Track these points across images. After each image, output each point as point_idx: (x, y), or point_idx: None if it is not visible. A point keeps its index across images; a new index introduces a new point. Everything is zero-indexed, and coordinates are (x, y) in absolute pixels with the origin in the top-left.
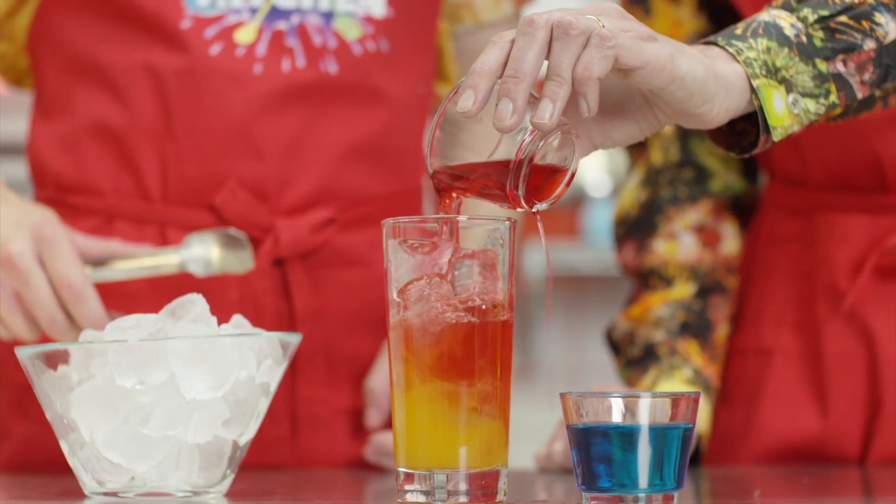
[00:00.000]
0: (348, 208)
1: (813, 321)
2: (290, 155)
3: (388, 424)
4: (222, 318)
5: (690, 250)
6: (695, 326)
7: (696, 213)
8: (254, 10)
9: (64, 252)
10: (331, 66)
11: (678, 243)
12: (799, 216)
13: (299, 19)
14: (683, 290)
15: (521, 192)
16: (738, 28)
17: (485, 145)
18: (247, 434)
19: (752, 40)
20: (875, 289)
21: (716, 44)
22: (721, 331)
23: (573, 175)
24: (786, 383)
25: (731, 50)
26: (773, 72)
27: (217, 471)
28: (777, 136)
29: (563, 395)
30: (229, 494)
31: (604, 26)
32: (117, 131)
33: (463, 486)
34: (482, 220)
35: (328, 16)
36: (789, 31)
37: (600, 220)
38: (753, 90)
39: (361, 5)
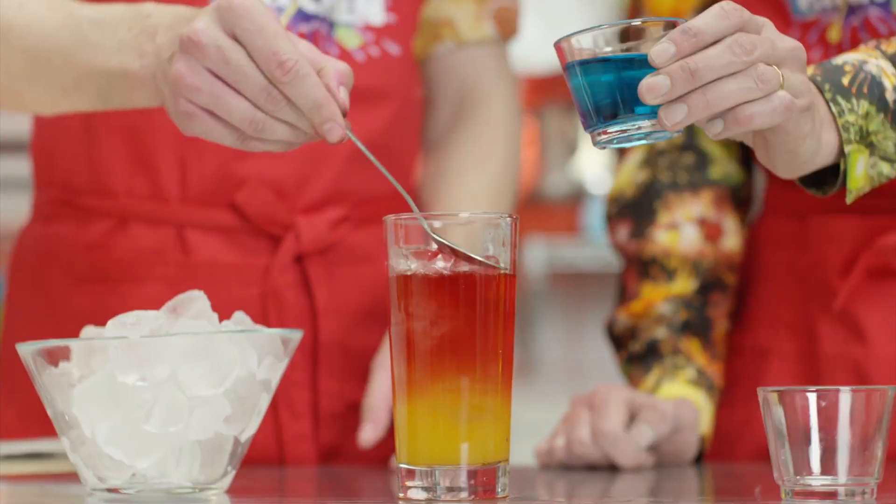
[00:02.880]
0: (359, 206)
1: (807, 321)
2: (307, 155)
3: (383, 442)
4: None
5: (692, 242)
6: (695, 325)
7: (697, 205)
8: (280, 10)
9: (264, 21)
10: None
11: (680, 234)
12: (795, 217)
13: (316, 25)
14: (685, 285)
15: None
16: (846, 75)
17: None
18: (248, 430)
19: (855, 100)
20: (867, 289)
21: (821, 91)
22: (720, 328)
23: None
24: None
25: (833, 110)
26: (864, 136)
27: (218, 467)
28: (850, 198)
29: (557, 43)
30: (230, 491)
31: (783, 85)
32: (133, 130)
33: (464, 483)
34: (483, 216)
35: (330, 26)
36: (890, 96)
37: (600, 217)
38: (843, 153)
39: (359, 15)
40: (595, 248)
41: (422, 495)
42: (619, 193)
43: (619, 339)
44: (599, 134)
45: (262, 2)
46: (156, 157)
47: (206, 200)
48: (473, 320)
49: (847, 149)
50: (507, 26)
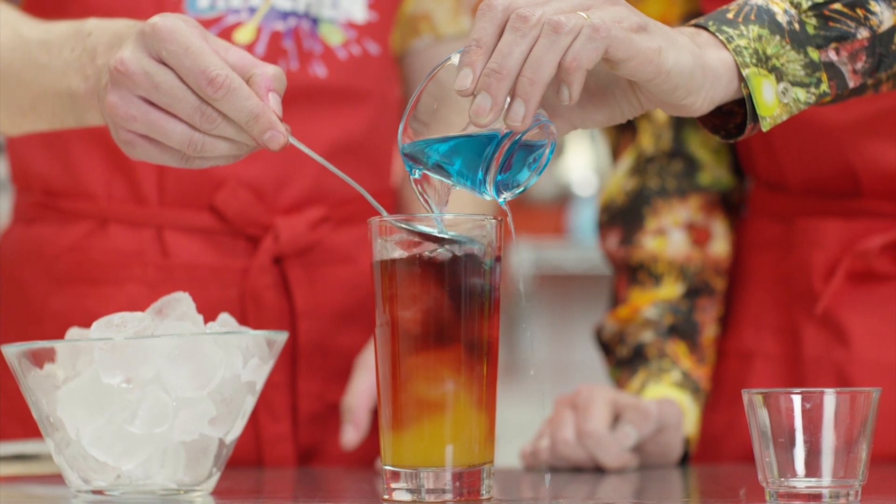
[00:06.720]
0: (339, 206)
1: (791, 324)
2: (286, 155)
3: (366, 443)
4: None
5: (679, 247)
6: (682, 329)
7: (685, 210)
8: (252, 10)
9: (188, 40)
10: (319, 70)
11: (667, 239)
12: (780, 221)
13: (295, 22)
14: (671, 290)
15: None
16: (731, 11)
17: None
18: (233, 432)
19: (743, 27)
20: (850, 292)
21: (706, 28)
22: (708, 332)
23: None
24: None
25: (721, 37)
26: (763, 60)
27: (203, 469)
28: (766, 126)
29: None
30: (215, 493)
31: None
32: (108, 133)
33: (449, 484)
34: (469, 217)
35: (314, 21)
36: (782, 18)
37: (586, 219)
38: (743, 79)
39: (342, 11)
40: (581, 250)
41: (406, 496)
42: (610, 202)
43: (607, 345)
44: (487, 186)
45: (186, 20)
46: (133, 160)
47: (184, 202)
48: (458, 322)
49: (745, 72)
50: None
